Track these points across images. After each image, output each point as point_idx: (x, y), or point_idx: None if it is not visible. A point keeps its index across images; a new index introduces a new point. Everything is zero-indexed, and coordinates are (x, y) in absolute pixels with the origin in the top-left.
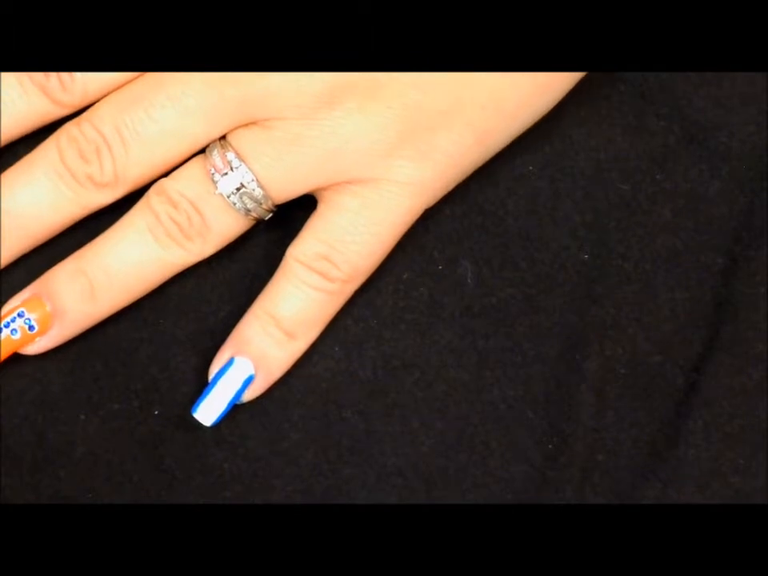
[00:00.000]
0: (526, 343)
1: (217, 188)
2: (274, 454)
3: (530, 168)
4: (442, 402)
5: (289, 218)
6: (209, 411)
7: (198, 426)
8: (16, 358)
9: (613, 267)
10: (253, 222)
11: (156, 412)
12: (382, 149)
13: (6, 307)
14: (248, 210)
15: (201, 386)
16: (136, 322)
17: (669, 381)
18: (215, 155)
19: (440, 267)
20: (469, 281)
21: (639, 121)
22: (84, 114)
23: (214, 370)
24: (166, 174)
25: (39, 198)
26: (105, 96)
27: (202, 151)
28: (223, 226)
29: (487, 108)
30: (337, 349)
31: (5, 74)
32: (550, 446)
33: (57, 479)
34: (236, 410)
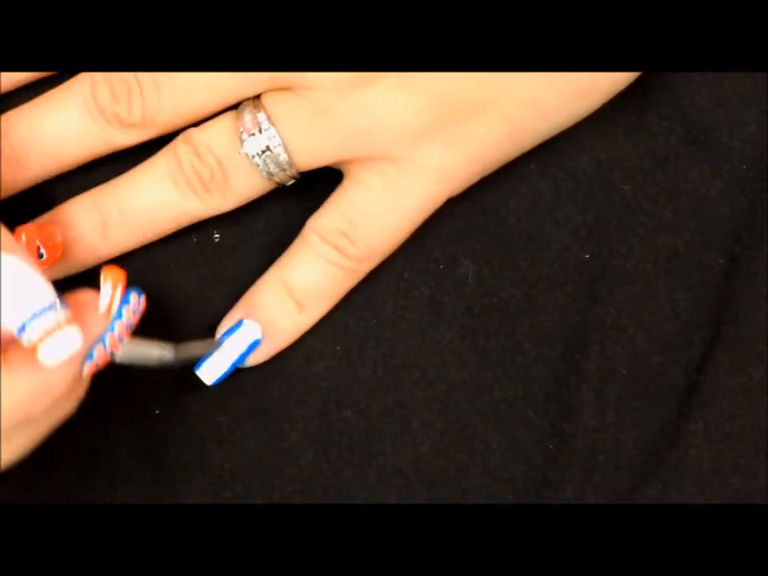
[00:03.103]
0: (526, 343)
1: (242, 147)
2: (273, 454)
3: (532, 167)
4: (442, 401)
5: (293, 218)
6: (212, 370)
7: (199, 427)
8: None
9: (614, 267)
10: (274, 186)
11: (157, 412)
12: (414, 130)
13: (20, 233)
14: (270, 174)
15: (201, 385)
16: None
17: (669, 381)
18: (246, 114)
19: (441, 267)
20: (469, 280)
21: (641, 121)
22: None
23: (221, 330)
24: (195, 124)
25: (64, 126)
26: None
27: (236, 107)
28: (244, 185)
29: (524, 105)
30: (337, 348)
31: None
32: (550, 446)
33: (57, 479)
34: (236, 410)
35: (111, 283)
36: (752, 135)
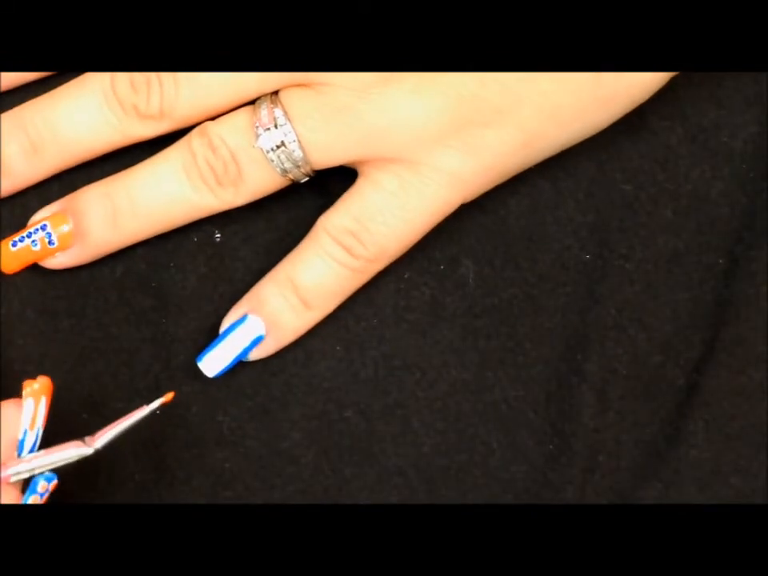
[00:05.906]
0: (527, 343)
1: (257, 141)
2: (274, 454)
3: (532, 167)
4: (443, 401)
5: (294, 217)
6: (213, 363)
7: (199, 427)
8: (18, 358)
9: (614, 267)
10: (288, 183)
11: (157, 411)
12: (431, 134)
13: (34, 218)
14: (285, 170)
15: (202, 385)
16: (138, 321)
17: (670, 381)
18: (263, 109)
19: (442, 267)
20: (470, 281)
21: (642, 121)
22: None
23: (226, 324)
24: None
25: (82, 117)
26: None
27: (254, 102)
28: (258, 180)
29: (543, 113)
30: (338, 348)
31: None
32: (550, 447)
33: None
34: (236, 410)
35: (33, 399)
36: (752, 136)
